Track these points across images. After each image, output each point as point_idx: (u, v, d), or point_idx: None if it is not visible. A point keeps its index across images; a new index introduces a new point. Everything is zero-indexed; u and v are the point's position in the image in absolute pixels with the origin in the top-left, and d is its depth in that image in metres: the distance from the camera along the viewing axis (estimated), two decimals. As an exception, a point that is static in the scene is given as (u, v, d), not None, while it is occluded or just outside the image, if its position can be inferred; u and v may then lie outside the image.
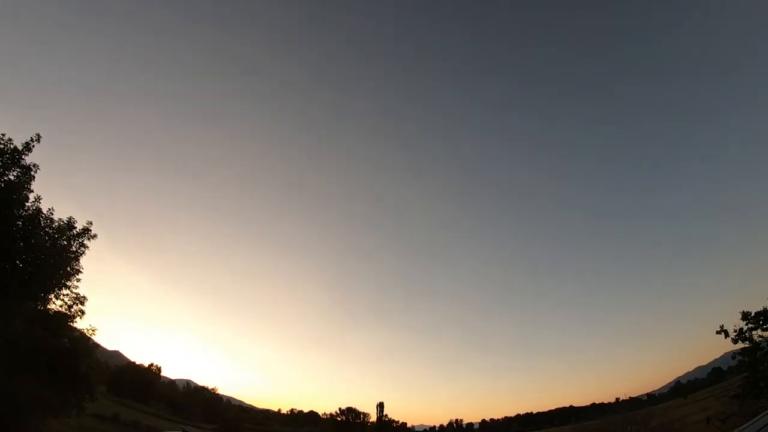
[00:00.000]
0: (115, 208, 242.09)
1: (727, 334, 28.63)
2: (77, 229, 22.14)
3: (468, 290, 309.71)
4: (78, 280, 22.68)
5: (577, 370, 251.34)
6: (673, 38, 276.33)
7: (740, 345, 28.70)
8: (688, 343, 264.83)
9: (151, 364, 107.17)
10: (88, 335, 24.86)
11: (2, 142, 19.64)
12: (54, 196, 22.35)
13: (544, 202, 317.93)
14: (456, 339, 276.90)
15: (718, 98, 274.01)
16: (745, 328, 28.08)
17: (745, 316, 28.21)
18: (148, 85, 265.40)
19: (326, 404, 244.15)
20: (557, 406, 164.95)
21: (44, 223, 21.02)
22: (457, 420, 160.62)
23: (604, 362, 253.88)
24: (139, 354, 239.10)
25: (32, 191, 20.61)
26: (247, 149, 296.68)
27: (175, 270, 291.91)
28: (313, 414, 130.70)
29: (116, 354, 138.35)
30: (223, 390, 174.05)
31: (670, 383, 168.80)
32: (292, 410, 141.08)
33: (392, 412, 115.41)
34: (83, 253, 22.50)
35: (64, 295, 22.45)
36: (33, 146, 20.31)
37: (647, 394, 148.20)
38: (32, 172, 20.37)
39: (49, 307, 22.86)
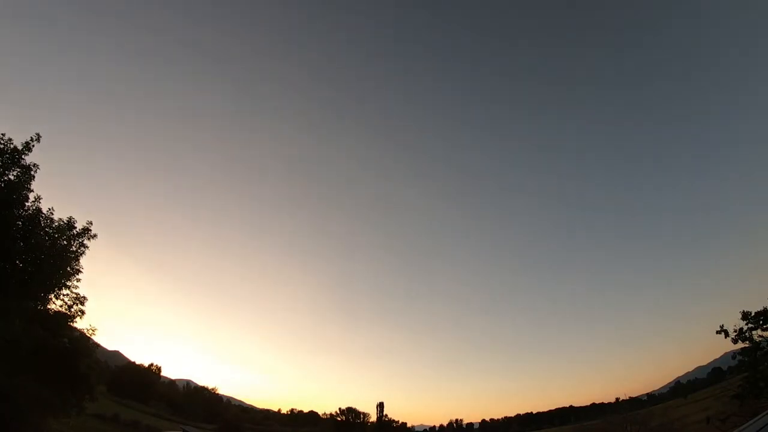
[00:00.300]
0: (115, 208, 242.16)
1: (727, 334, 28.61)
2: (77, 229, 22.13)
3: (468, 290, 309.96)
4: (78, 280, 22.70)
5: (577, 370, 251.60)
6: (673, 37, 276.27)
7: (740, 345, 28.68)
8: (688, 343, 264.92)
9: (151, 364, 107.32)
10: (88, 335, 24.86)
11: (2, 142, 19.63)
12: (54, 196, 22.35)
13: (543, 202, 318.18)
14: (456, 339, 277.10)
15: (720, 97, 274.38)
16: (745, 328, 28.06)
17: (745, 316, 28.19)
18: (148, 85, 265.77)
19: (326, 404, 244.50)
20: (557, 406, 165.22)
21: (44, 223, 21.01)
22: (457, 420, 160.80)
23: (604, 362, 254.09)
24: (139, 354, 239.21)
25: (32, 191, 20.62)
26: (247, 149, 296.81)
27: (176, 270, 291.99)
28: (313, 414, 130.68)
29: (116, 354, 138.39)
30: (223, 390, 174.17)
31: (670, 383, 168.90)
32: (292, 410, 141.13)
33: (392, 412, 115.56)
34: (83, 253, 22.49)
35: (64, 295, 22.45)
36: (33, 146, 20.30)
37: (647, 394, 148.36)
38: (32, 172, 20.36)
39: (49, 307, 22.84)
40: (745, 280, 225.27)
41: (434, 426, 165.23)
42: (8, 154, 19.70)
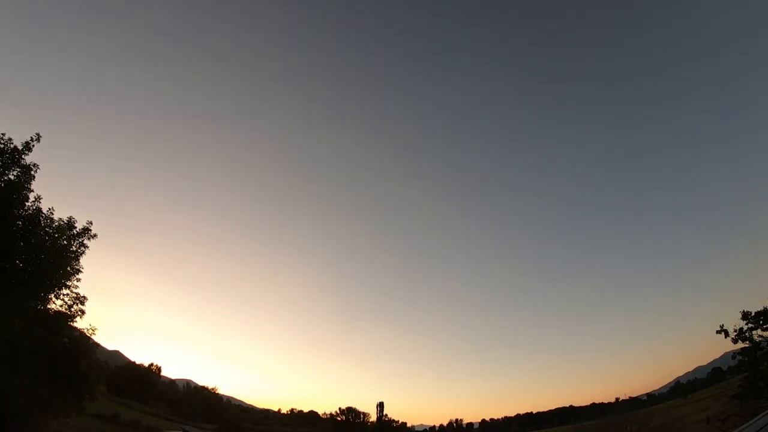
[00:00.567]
0: (115, 208, 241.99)
1: (727, 334, 28.61)
2: (77, 229, 22.12)
3: (468, 290, 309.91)
4: (78, 280, 22.69)
5: (577, 370, 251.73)
6: (674, 37, 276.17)
7: (740, 345, 28.67)
8: (688, 343, 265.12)
9: (151, 364, 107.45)
10: (88, 335, 24.86)
11: (2, 141, 19.63)
12: (54, 196, 22.35)
13: (543, 202, 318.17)
14: (456, 339, 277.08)
15: (720, 97, 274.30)
16: (745, 327, 28.06)
17: (745, 315, 28.19)
18: (148, 85, 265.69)
19: (326, 404, 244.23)
20: (557, 406, 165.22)
21: (44, 222, 21.00)
22: (457, 420, 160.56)
23: (604, 362, 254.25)
24: (139, 354, 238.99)
25: (32, 191, 20.61)
26: (247, 149, 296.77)
27: (175, 270, 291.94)
28: (313, 414, 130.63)
29: (116, 354, 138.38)
30: (223, 390, 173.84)
31: (670, 383, 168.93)
32: (292, 410, 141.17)
33: (392, 412, 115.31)
34: (83, 252, 22.48)
35: (64, 294, 22.45)
36: (33, 146, 20.30)
37: (647, 394, 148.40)
38: (32, 172, 20.36)
39: (49, 306, 22.84)
40: (745, 280, 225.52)
41: (434, 426, 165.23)
42: (8, 154, 19.70)
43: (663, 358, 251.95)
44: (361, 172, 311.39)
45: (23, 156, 20.04)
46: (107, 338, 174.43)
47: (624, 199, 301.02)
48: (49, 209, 21.25)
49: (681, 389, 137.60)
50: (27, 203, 20.51)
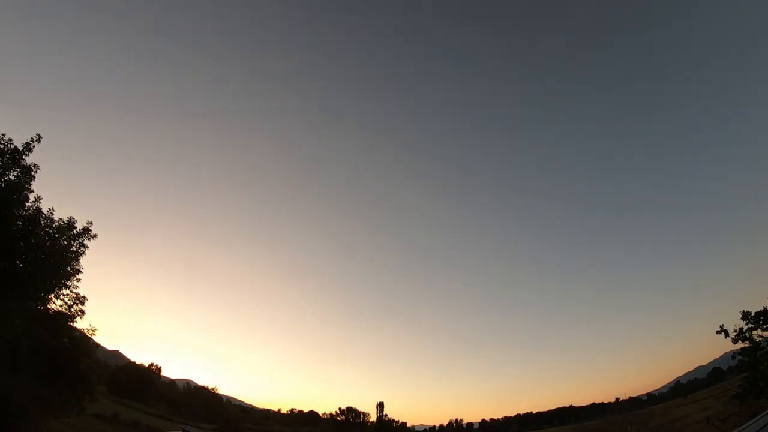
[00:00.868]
0: (115, 208, 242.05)
1: (727, 334, 28.58)
2: (77, 229, 22.11)
3: (468, 290, 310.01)
4: (78, 280, 22.70)
5: (577, 370, 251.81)
6: (676, 36, 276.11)
7: (740, 345, 28.63)
8: (688, 343, 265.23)
9: (151, 364, 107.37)
10: (88, 335, 24.88)
11: (2, 142, 19.64)
12: (54, 196, 22.35)
13: (543, 202, 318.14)
14: (456, 339, 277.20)
15: (719, 96, 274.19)
16: (745, 327, 28.03)
17: (745, 316, 28.16)
18: (148, 85, 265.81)
19: (326, 404, 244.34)
20: (557, 406, 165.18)
21: (44, 223, 21.01)
22: (457, 420, 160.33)
23: (604, 362, 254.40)
24: (139, 354, 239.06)
25: (32, 191, 20.61)
26: (247, 149, 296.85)
27: (176, 270, 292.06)
28: (313, 414, 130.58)
29: (116, 354, 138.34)
30: (223, 390, 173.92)
31: (670, 383, 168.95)
32: (292, 410, 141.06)
33: (392, 412, 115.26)
34: (83, 253, 22.48)
35: (64, 295, 22.47)
36: (33, 146, 20.30)
37: (647, 394, 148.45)
38: (32, 172, 20.36)
39: (49, 307, 22.86)
40: (745, 280, 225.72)
41: (434, 426, 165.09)
42: (8, 154, 19.71)
43: (663, 358, 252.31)
44: (361, 172, 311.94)
45: (23, 156, 20.05)
46: (107, 338, 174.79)
47: (624, 199, 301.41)
48: (49, 209, 21.28)
49: (681, 389, 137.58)
50: (27, 203, 20.51)
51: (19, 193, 19.94)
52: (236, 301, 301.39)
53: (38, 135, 20.36)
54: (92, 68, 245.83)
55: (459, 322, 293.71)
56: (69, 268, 22.02)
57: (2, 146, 19.62)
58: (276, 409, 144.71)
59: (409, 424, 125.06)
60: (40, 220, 20.84)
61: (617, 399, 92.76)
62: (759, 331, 27.70)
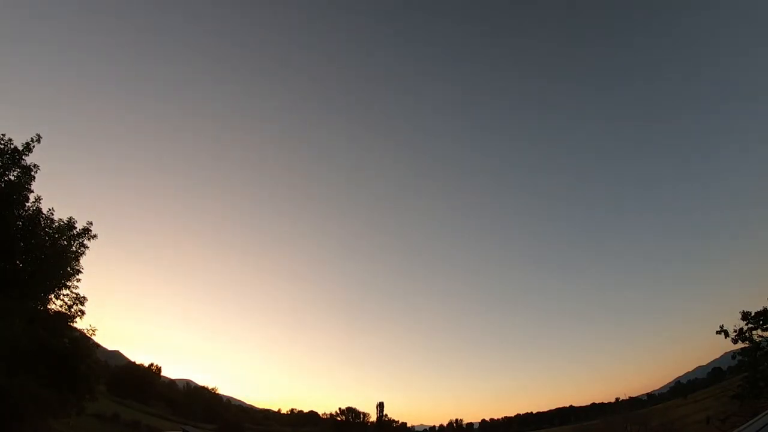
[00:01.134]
0: (115, 208, 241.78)
1: (727, 334, 28.60)
2: (77, 229, 22.17)
3: (467, 290, 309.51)
4: (78, 280, 22.76)
5: (577, 370, 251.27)
6: (676, 36, 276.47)
7: (740, 345, 28.65)
8: (688, 343, 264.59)
9: (151, 364, 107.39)
10: (88, 335, 24.87)
11: (2, 142, 19.68)
12: (54, 196, 22.38)
13: (543, 202, 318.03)
14: (456, 339, 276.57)
15: (719, 96, 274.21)
16: (745, 328, 28.03)
17: (745, 316, 28.17)
18: (147, 85, 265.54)
19: (326, 404, 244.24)
20: (557, 406, 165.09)
21: (44, 223, 21.06)
22: (457, 420, 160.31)
23: (604, 362, 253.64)
24: (139, 354, 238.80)
25: (32, 191, 20.69)
26: (247, 149, 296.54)
27: (176, 270, 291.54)
28: (313, 414, 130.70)
29: (116, 354, 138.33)
30: (223, 390, 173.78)
31: (670, 383, 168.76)
32: (292, 410, 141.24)
33: (392, 412, 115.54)
34: (83, 253, 22.55)
35: (64, 295, 22.52)
36: (33, 146, 20.35)
37: (647, 394, 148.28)
38: (32, 173, 20.41)
39: (49, 307, 22.87)
40: (745, 280, 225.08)
41: (434, 426, 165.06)
42: (8, 154, 19.75)
43: (663, 358, 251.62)
44: (361, 172, 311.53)
45: (23, 157, 20.08)
46: (107, 338, 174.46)
47: (624, 199, 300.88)
48: (49, 209, 21.35)
49: (681, 389, 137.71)
50: (27, 204, 20.56)
51: (19, 193, 19.98)
52: (236, 301, 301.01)
53: (38, 135, 20.45)
54: (92, 68, 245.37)
55: (459, 322, 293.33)
56: (69, 269, 22.07)
57: (2, 146, 19.66)
58: (276, 409, 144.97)
59: (409, 424, 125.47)
60: (40, 220, 20.88)
61: (617, 399, 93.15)
62: (759, 331, 27.71)
